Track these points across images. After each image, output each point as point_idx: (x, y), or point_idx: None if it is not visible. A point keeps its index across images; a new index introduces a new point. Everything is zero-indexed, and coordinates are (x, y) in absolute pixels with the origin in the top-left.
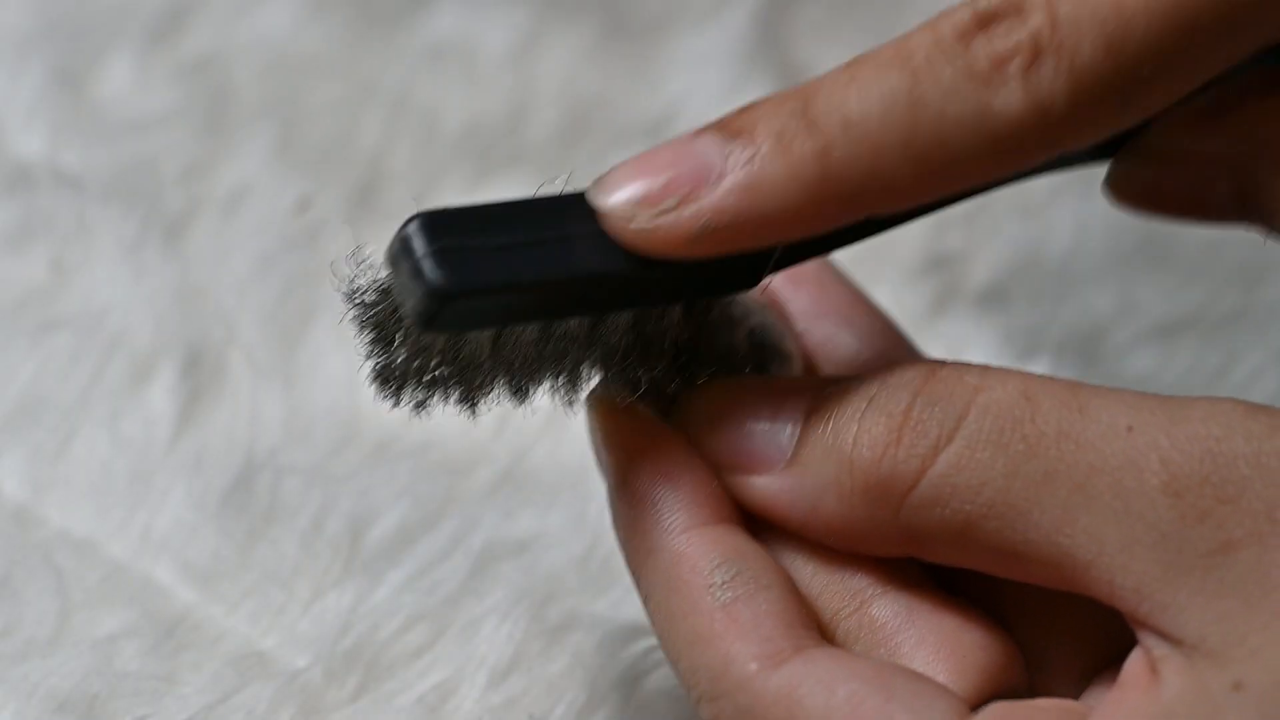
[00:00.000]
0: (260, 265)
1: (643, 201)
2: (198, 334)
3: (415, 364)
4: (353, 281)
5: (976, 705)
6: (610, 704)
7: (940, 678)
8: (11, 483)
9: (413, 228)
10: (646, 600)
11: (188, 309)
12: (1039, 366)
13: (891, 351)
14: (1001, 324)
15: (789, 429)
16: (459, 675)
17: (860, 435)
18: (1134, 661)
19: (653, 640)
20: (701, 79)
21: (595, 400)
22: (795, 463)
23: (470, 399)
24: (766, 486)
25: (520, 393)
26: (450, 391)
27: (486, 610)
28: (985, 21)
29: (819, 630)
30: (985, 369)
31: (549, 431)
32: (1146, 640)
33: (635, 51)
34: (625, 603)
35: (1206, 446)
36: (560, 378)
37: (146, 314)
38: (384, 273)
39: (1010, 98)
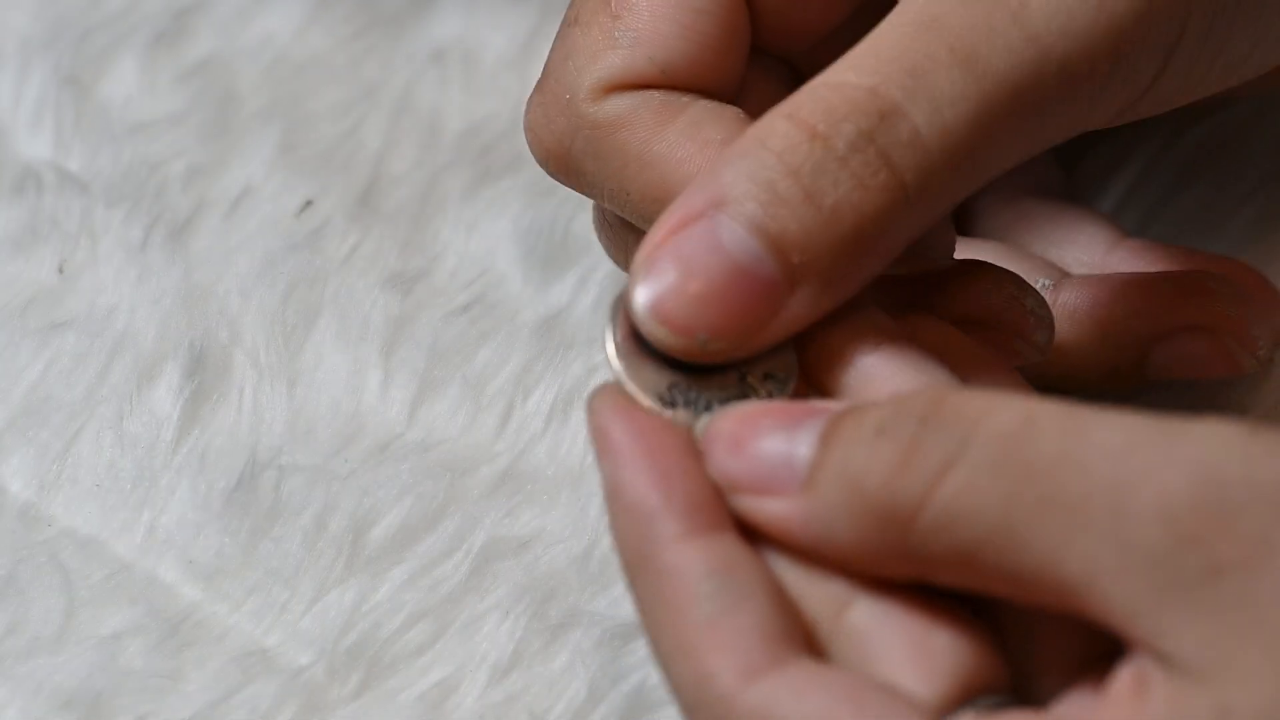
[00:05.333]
0: (264, 266)
1: None
2: (202, 335)
3: None
4: None
5: (949, 706)
6: (610, 702)
7: (908, 682)
8: (17, 482)
9: None
10: (638, 608)
11: (192, 310)
12: None
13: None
14: None
15: (804, 453)
16: (460, 673)
17: (871, 462)
18: (1122, 674)
19: None
20: None
21: (593, 403)
22: (809, 487)
23: None
24: (780, 509)
25: None
26: None
27: (488, 608)
28: None
29: (805, 637)
30: (992, 394)
31: (550, 431)
32: (1138, 656)
33: None
34: (625, 601)
35: (1202, 469)
36: None
37: (151, 315)
38: None
39: None
